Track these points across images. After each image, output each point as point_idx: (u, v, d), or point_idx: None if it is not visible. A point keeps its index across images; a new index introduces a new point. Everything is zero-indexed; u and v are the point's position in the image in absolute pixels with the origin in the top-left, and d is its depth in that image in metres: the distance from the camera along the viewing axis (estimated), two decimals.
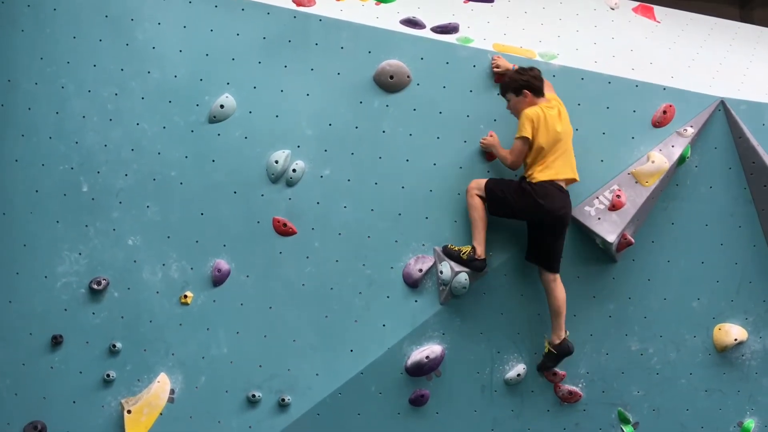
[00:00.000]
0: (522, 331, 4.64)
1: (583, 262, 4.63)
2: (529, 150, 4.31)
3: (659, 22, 5.48)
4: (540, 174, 4.29)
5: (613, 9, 5.44)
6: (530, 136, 4.26)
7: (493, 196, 4.38)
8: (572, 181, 4.39)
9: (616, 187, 4.55)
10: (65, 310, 4.55)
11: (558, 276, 4.42)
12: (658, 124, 4.64)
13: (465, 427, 4.64)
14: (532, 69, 4.41)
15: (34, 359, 4.51)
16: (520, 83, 4.34)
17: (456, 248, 4.48)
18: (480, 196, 4.43)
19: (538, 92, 4.37)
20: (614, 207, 4.48)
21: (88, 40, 4.75)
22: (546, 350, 4.47)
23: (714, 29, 5.62)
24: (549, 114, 4.32)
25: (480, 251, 4.39)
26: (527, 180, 4.35)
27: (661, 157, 4.55)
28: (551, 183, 4.28)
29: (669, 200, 4.68)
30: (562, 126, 4.33)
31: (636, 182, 4.56)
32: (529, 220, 4.41)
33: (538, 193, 4.26)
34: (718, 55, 5.19)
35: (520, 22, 5.05)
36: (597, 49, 4.97)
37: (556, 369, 4.65)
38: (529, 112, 4.29)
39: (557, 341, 4.41)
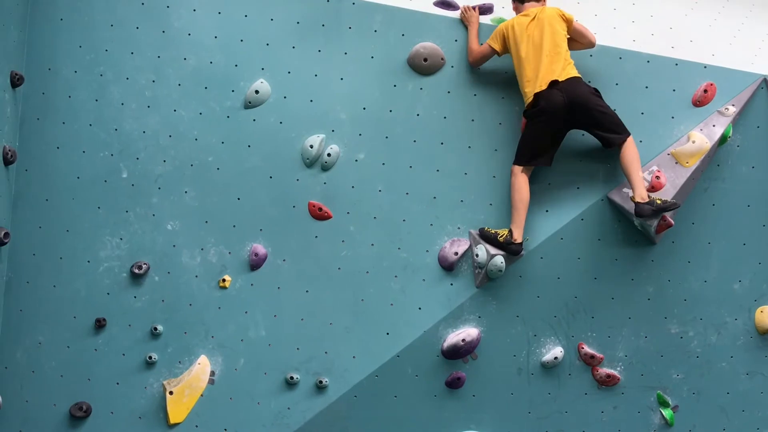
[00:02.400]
0: (559, 314, 4.61)
1: (621, 244, 4.56)
2: (516, 64, 4.44)
3: None
4: (529, 91, 4.34)
5: None
6: (494, 46, 4.50)
7: (519, 146, 4.44)
8: (567, 78, 4.30)
9: (655, 167, 4.48)
10: (108, 293, 4.64)
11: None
12: (698, 103, 4.54)
13: (502, 409, 4.64)
14: None
15: (78, 342, 4.62)
16: None
17: (493, 231, 4.45)
18: (523, 178, 4.39)
19: (523, 1, 4.58)
20: (654, 188, 4.41)
21: (125, 27, 4.80)
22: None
23: (756, 3, 5.44)
24: (519, 23, 4.44)
25: (517, 235, 4.35)
26: (525, 107, 4.42)
27: (702, 137, 4.46)
28: (540, 93, 4.29)
29: (710, 180, 4.58)
30: (535, 30, 4.37)
31: (676, 163, 4.48)
32: (543, 130, 4.35)
33: (535, 105, 4.31)
34: (760, 30, 5.04)
35: (555, 2, 4.95)
36: (635, 27, 4.87)
37: (594, 352, 4.62)
38: (501, 24, 4.51)
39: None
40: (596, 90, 4.42)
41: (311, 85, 4.75)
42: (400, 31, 4.77)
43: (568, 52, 4.41)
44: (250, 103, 4.75)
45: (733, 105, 4.49)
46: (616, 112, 4.53)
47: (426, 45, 4.71)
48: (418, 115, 4.71)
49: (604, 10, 4.99)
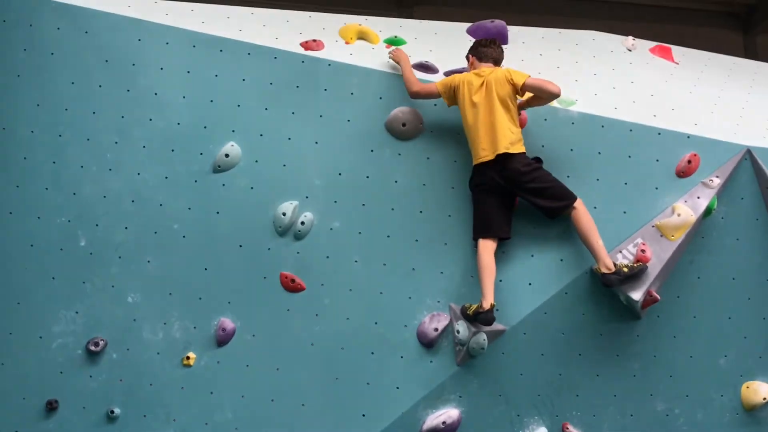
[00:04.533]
0: (543, 392, 4.43)
1: (605, 319, 4.43)
2: (463, 124, 4.37)
3: (677, 63, 5.34)
4: (475, 159, 4.32)
5: (630, 50, 5.30)
6: (442, 93, 4.41)
7: (473, 219, 4.37)
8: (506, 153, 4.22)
9: (640, 240, 4.36)
10: (61, 372, 4.35)
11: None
12: (682, 173, 4.46)
13: None
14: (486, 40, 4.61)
15: (28, 425, 4.30)
16: (471, 48, 4.58)
17: (468, 306, 4.27)
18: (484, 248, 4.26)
19: (477, 55, 4.52)
20: (639, 262, 4.28)
21: (88, 85, 4.59)
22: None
23: (733, 69, 5.50)
24: (469, 83, 4.34)
25: (485, 303, 4.15)
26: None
27: (687, 210, 4.37)
28: (477, 166, 4.31)
29: (695, 253, 4.49)
30: (479, 97, 4.28)
31: (661, 236, 4.37)
32: (487, 201, 4.32)
33: (475, 176, 4.35)
34: (740, 97, 5.05)
35: (536, 65, 4.88)
36: (616, 94, 4.81)
37: None
38: (455, 76, 4.42)
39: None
40: (536, 160, 4.35)
41: (284, 149, 4.58)
42: (378, 94, 4.63)
43: (514, 121, 4.30)
44: (219, 167, 4.53)
45: (717, 176, 4.42)
46: (599, 181, 4.45)
47: (404, 109, 4.58)
48: (396, 181, 4.54)
49: (584, 75, 4.93)
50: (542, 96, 4.33)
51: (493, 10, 7.72)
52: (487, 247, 4.26)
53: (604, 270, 4.15)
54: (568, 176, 4.44)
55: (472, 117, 4.30)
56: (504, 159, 4.22)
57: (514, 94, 4.32)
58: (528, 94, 4.38)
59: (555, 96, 4.28)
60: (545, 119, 4.58)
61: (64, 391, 4.33)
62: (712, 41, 10.04)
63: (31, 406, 4.31)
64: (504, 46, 4.93)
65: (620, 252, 4.35)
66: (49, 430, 4.30)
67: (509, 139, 4.23)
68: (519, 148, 4.27)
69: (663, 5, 11.57)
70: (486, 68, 4.44)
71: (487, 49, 4.52)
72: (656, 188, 4.46)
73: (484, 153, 4.25)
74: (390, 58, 4.64)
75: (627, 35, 5.39)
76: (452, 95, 4.40)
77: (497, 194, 4.30)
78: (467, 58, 4.59)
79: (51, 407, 4.30)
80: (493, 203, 4.30)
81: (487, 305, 4.13)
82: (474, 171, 4.35)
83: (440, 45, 4.98)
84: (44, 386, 4.32)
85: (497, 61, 4.53)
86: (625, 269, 4.15)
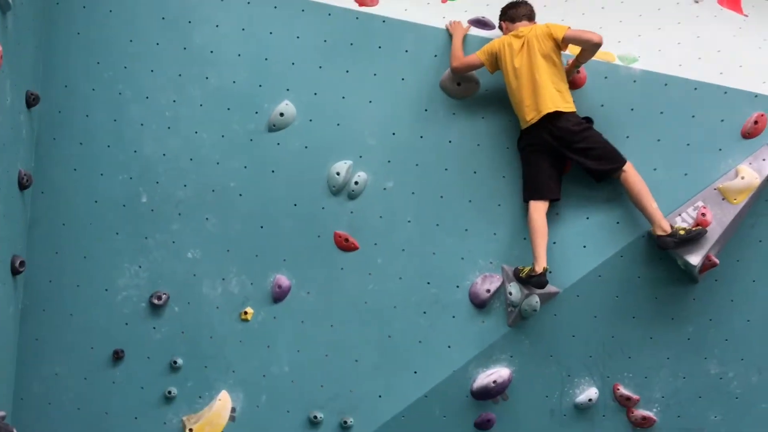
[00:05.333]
0: (594, 354, 4.43)
1: (661, 282, 4.36)
2: (507, 89, 4.29)
3: (747, 15, 5.05)
4: (522, 123, 4.26)
5: (697, 2, 5.04)
6: (484, 60, 4.31)
7: (523, 181, 4.32)
8: (556, 111, 4.12)
9: (701, 203, 4.25)
10: (126, 324, 4.50)
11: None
12: (748, 134, 4.30)
13: None
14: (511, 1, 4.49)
15: (95, 374, 4.48)
16: (500, 14, 4.48)
17: (520, 268, 4.25)
18: (536, 210, 4.22)
19: (507, 18, 4.41)
20: (699, 226, 4.18)
21: (145, 43, 4.61)
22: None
23: None
24: (510, 45, 4.24)
25: (537, 267, 4.12)
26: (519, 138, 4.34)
27: (751, 172, 4.22)
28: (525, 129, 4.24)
29: (757, 216, 4.35)
30: (520, 60, 4.18)
31: (723, 199, 4.24)
32: (537, 163, 4.24)
33: (524, 138, 4.28)
34: None
35: (597, 19, 4.69)
36: (681, 49, 4.61)
37: (630, 394, 4.44)
38: (494, 41, 4.32)
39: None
40: (587, 120, 4.23)
41: (338, 108, 4.55)
42: (433, 51, 4.54)
43: (561, 77, 4.19)
44: (274, 126, 4.55)
45: None
46: (660, 141, 4.33)
47: None
48: (450, 141, 4.50)
49: (648, 29, 4.73)
50: (585, 47, 4.18)
51: None
52: (539, 209, 4.21)
53: (660, 232, 4.07)
54: (627, 136, 4.34)
55: (515, 81, 4.20)
56: (552, 118, 4.11)
57: (557, 48, 4.19)
58: (575, 49, 4.25)
59: (598, 45, 4.13)
60: (605, 77, 4.44)
61: (130, 341, 4.47)
62: None
63: (99, 355, 4.47)
64: (564, 0, 4.79)
65: (680, 215, 4.25)
66: (115, 378, 4.48)
67: (556, 98, 4.12)
68: (569, 107, 4.16)
69: None
70: (524, 27, 4.30)
71: (515, 10, 4.41)
72: (720, 149, 4.31)
73: (531, 116, 4.16)
74: (446, 27, 4.53)
75: None
76: (494, 61, 4.30)
77: (547, 155, 4.22)
78: (500, 27, 4.46)
79: (117, 357, 4.47)
80: (543, 164, 4.23)
81: (539, 268, 4.11)
82: (522, 133, 4.28)
83: None
84: (110, 337, 4.47)
85: (530, 17, 4.39)
86: (683, 232, 4.06)
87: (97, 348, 4.49)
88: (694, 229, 4.10)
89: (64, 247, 4.52)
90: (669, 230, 4.06)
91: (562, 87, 4.19)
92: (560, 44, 4.20)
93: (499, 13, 4.55)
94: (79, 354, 4.48)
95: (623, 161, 4.16)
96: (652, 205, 4.11)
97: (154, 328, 4.51)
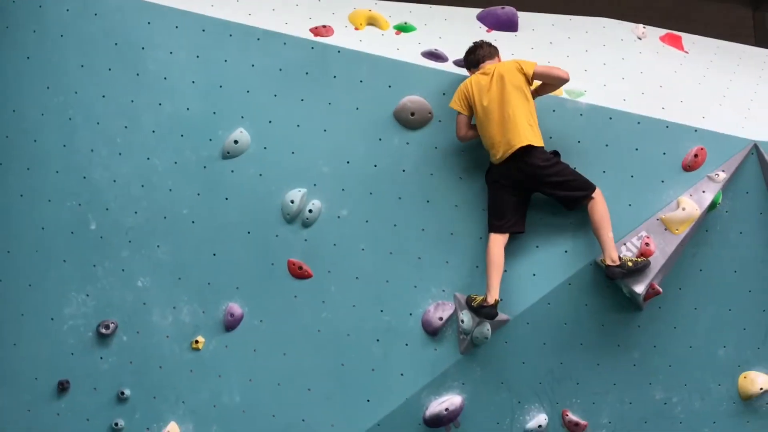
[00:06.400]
0: (544, 381, 4.50)
1: (607, 310, 4.47)
2: (477, 124, 4.33)
3: (687, 53, 5.31)
4: (492, 158, 4.30)
5: (640, 39, 5.26)
6: (462, 111, 4.33)
7: (488, 213, 4.37)
8: (527, 146, 4.18)
9: (644, 233, 4.39)
10: (72, 354, 4.42)
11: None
12: (689, 167, 4.47)
13: None
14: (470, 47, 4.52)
15: (39, 405, 4.39)
16: (465, 65, 4.53)
17: (472, 297, 4.32)
18: (495, 242, 4.28)
19: (471, 65, 4.45)
20: (642, 255, 4.32)
21: (97, 68, 4.59)
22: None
23: (743, 58, 5.47)
24: (477, 82, 4.30)
25: (489, 298, 4.20)
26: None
27: (692, 204, 4.39)
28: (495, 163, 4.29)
29: (698, 246, 4.52)
30: (488, 97, 4.24)
31: (665, 229, 4.40)
32: (503, 197, 4.31)
33: (493, 171, 4.34)
34: (748, 89, 5.02)
35: (545, 54, 4.85)
36: (625, 84, 4.79)
37: (579, 420, 4.52)
38: (461, 85, 4.37)
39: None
40: (554, 153, 4.34)
41: (293, 136, 4.58)
42: (387, 82, 4.62)
43: (531, 112, 4.28)
44: (228, 153, 4.55)
45: (723, 171, 4.43)
46: (606, 173, 4.45)
47: (413, 98, 4.56)
48: (403, 170, 4.56)
49: (593, 64, 4.91)
50: (552, 83, 4.32)
51: None
52: (497, 242, 4.28)
53: (609, 262, 4.19)
54: (574, 168, 4.46)
55: (485, 119, 4.25)
56: (523, 153, 4.18)
57: (527, 83, 4.30)
58: (536, 83, 4.38)
59: (565, 82, 4.27)
60: (553, 110, 4.57)
61: (76, 372, 4.40)
62: (721, 17, 9.88)
63: (43, 386, 4.39)
64: (514, 34, 4.92)
65: (624, 244, 4.38)
66: (60, 409, 4.39)
67: (528, 132, 4.19)
68: (539, 142, 4.24)
69: None
70: (489, 65, 4.40)
71: (474, 55, 4.45)
72: (662, 181, 4.47)
73: (502, 151, 4.20)
74: None
75: (635, 10, 5.34)
76: (468, 106, 4.34)
77: (514, 190, 4.28)
78: (469, 71, 4.51)
79: (62, 388, 4.37)
80: (509, 199, 4.29)
81: (491, 300, 4.18)
82: (491, 166, 4.34)
83: (450, 31, 4.96)
84: (56, 367, 4.39)
85: (491, 56, 4.47)
86: (630, 263, 4.19)
87: (42, 378, 4.40)
88: (641, 260, 4.22)
89: (9, 275, 4.44)
90: (618, 261, 4.18)
91: (532, 121, 4.27)
92: (529, 79, 4.30)
93: (451, 46, 4.65)
94: (22, 385, 4.40)
95: (593, 188, 4.27)
96: (609, 234, 4.21)
97: (101, 358, 4.43)
